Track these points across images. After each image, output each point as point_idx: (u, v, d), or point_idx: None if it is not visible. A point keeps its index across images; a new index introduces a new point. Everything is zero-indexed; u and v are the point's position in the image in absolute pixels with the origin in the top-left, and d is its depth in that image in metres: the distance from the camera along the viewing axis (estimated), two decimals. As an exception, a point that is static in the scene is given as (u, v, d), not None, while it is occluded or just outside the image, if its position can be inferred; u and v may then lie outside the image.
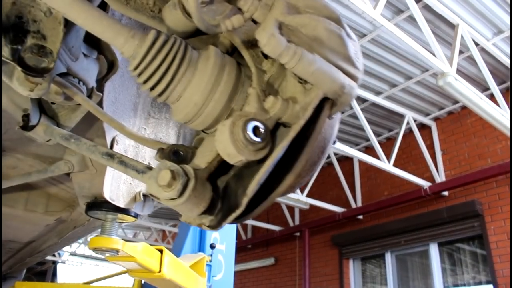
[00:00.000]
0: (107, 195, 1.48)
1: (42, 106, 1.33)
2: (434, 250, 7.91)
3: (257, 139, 0.75)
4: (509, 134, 5.54)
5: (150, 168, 0.92)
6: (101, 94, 1.27)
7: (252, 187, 0.77)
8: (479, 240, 7.37)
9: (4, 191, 1.92)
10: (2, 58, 0.94)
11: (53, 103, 1.36)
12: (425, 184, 7.83)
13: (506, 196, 6.96)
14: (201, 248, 4.27)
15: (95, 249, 1.67)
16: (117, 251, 1.69)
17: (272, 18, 0.79)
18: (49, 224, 2.11)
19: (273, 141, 0.81)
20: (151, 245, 2.13)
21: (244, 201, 0.78)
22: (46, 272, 10.31)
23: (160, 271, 2.05)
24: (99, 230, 2.56)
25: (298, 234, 10.63)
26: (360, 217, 9.30)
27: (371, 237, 8.82)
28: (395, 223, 8.41)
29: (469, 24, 5.89)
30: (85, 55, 1.20)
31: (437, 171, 7.96)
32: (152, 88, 0.90)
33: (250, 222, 10.92)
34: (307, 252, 10.06)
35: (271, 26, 0.75)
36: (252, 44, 0.96)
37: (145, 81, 0.89)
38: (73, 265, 15.08)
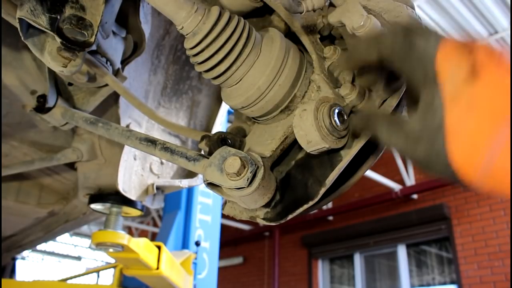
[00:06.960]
0: (120, 187, 1.39)
1: (58, 88, 1.23)
2: (402, 251, 8.10)
3: (342, 126, 0.71)
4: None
5: (202, 155, 0.85)
6: (126, 76, 1.18)
7: (332, 177, 0.72)
8: (446, 242, 7.60)
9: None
10: (40, 27, 0.84)
11: (69, 85, 1.25)
12: (395, 187, 7.99)
13: (473, 200, 7.21)
14: (185, 245, 4.16)
15: (98, 244, 1.56)
16: (123, 246, 1.59)
17: (357, 0, 0.74)
18: (39, 216, 1.98)
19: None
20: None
21: (321, 191, 0.73)
22: (5, 268, 9.80)
23: (158, 268, 1.96)
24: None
25: (267, 233, 10.63)
26: (331, 218, 9.39)
27: (340, 238, 8.93)
28: (365, 225, 8.55)
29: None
30: (113, 33, 1.11)
31: (407, 174, 8.15)
32: (209, 69, 0.83)
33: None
34: (277, 251, 10.08)
35: (361, 8, 0.70)
36: (310, 30, 0.91)
37: (203, 61, 0.82)
38: (33, 262, 14.41)
